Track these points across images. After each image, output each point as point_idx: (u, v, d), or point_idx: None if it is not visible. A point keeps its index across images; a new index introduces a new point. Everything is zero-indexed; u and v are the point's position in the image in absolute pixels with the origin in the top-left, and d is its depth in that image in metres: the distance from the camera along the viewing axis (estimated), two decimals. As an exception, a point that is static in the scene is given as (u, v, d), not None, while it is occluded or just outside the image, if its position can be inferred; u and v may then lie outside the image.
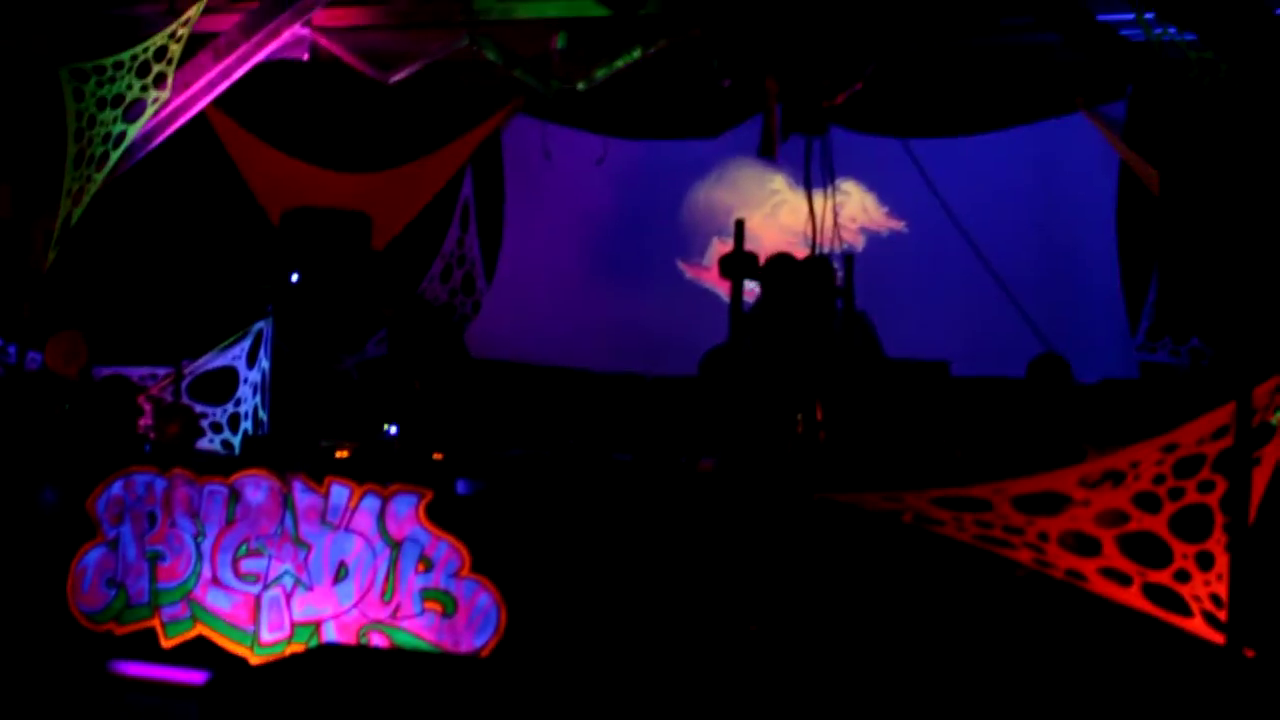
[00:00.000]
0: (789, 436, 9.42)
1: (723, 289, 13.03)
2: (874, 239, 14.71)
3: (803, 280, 10.01)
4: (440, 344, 12.97)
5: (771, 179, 14.76)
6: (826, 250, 10.11)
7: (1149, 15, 8.89)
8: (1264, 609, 7.40)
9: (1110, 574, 7.63)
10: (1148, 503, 7.56)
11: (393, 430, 11.30)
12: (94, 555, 9.61)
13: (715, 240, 15.00)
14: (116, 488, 9.64)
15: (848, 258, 10.15)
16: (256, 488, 9.31)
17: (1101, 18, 9.19)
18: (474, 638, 8.72)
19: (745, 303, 9.41)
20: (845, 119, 11.80)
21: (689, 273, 15.18)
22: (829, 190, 10.22)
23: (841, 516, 8.29)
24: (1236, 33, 8.43)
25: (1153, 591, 7.53)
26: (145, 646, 9.41)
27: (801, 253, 10.33)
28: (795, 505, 8.47)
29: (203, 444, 11.07)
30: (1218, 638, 7.28)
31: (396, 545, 8.97)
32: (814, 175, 10.21)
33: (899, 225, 14.76)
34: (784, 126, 10.58)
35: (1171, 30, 8.88)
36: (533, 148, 14.99)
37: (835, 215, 10.07)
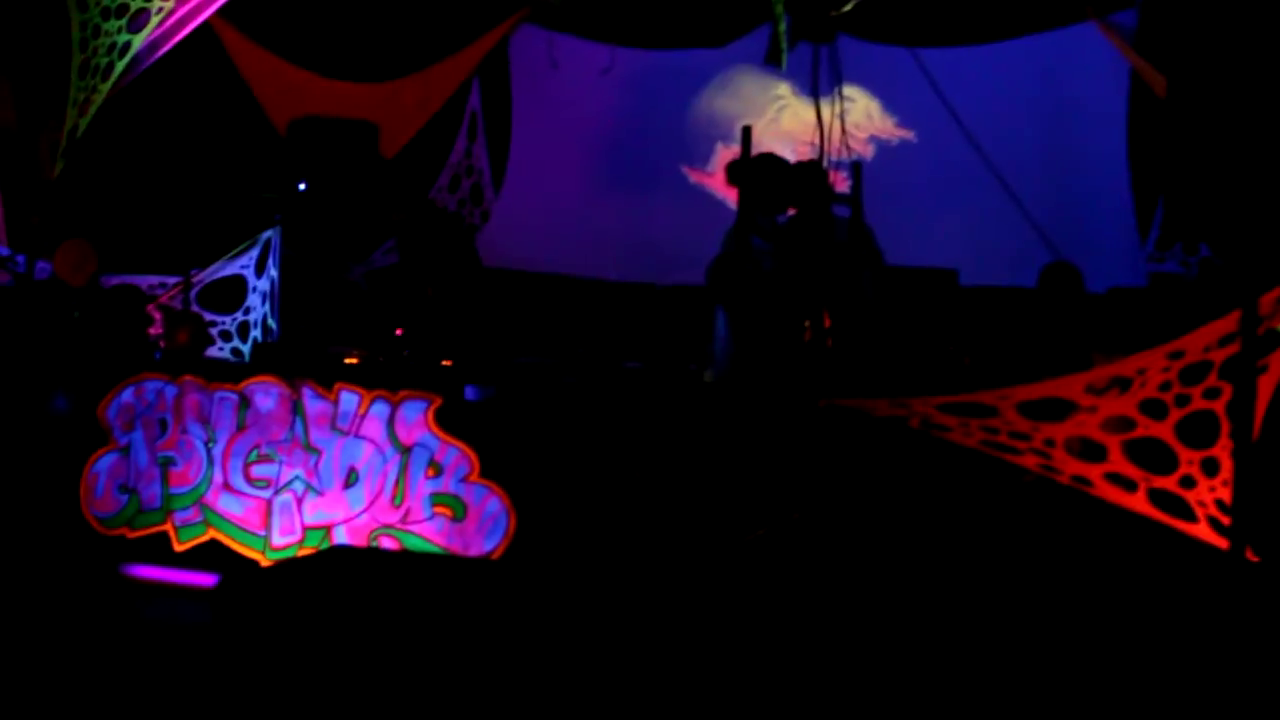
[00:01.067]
0: (796, 343, 9.44)
1: (729, 195, 13.06)
2: (883, 148, 14.67)
3: (794, 183, 9.97)
4: (452, 250, 12.95)
5: (775, 85, 14.70)
6: (834, 159, 10.09)
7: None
8: (1268, 513, 7.45)
9: (1116, 479, 7.67)
10: (1154, 409, 7.58)
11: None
12: (106, 461, 9.70)
13: (720, 146, 14.95)
14: (127, 395, 9.71)
15: (855, 166, 10.12)
16: (266, 394, 9.37)
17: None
18: (484, 542, 8.80)
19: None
20: (853, 27, 11.72)
21: (693, 178, 15.14)
22: (836, 98, 10.19)
23: (848, 422, 8.33)
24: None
25: (1158, 497, 7.57)
26: (158, 550, 9.52)
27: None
28: (802, 411, 8.51)
29: (212, 352, 11.10)
30: (1222, 543, 7.33)
31: (406, 451, 9.03)
32: (821, 83, 10.17)
33: (907, 134, 14.72)
34: (791, 35, 10.54)
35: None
36: (539, 57, 14.93)
37: (843, 124, 10.05)
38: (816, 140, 9.84)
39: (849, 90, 10.98)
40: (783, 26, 10.52)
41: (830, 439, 8.34)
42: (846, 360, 9.44)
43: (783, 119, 14.78)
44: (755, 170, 9.52)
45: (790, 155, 10.96)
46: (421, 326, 11.40)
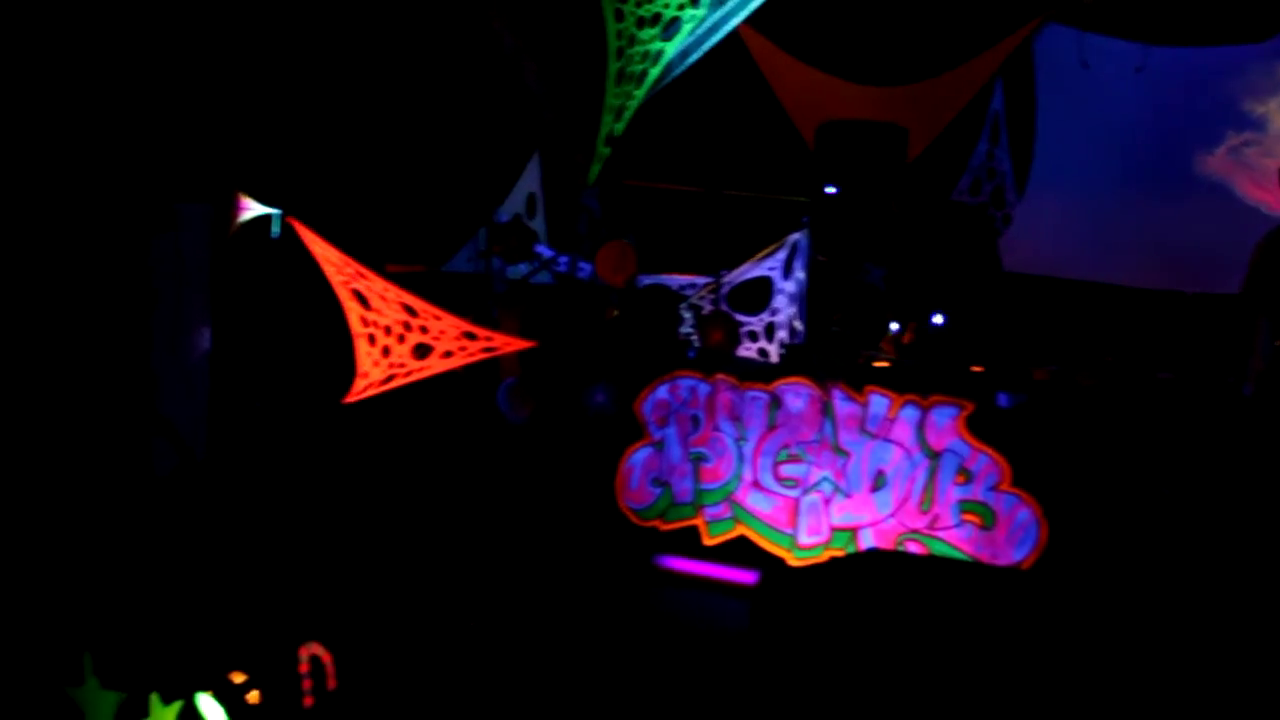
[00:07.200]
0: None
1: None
2: None
3: None
4: (973, 254, 12.79)
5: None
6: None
7: None
8: None
9: None
10: None
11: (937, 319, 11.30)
12: (641, 455, 10.08)
13: (1230, 134, 14.18)
14: (662, 391, 10.06)
15: None
16: (797, 395, 9.53)
17: None
18: (1013, 551, 8.68)
19: None
20: None
21: (1199, 169, 14.35)
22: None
23: None
24: None
25: None
26: (688, 543, 9.81)
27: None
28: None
29: (739, 352, 11.33)
30: None
31: (935, 456, 9.01)
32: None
33: None
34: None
35: None
36: (1067, 57, 14.54)
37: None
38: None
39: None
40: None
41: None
42: None
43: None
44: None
45: None
46: (947, 330, 11.34)
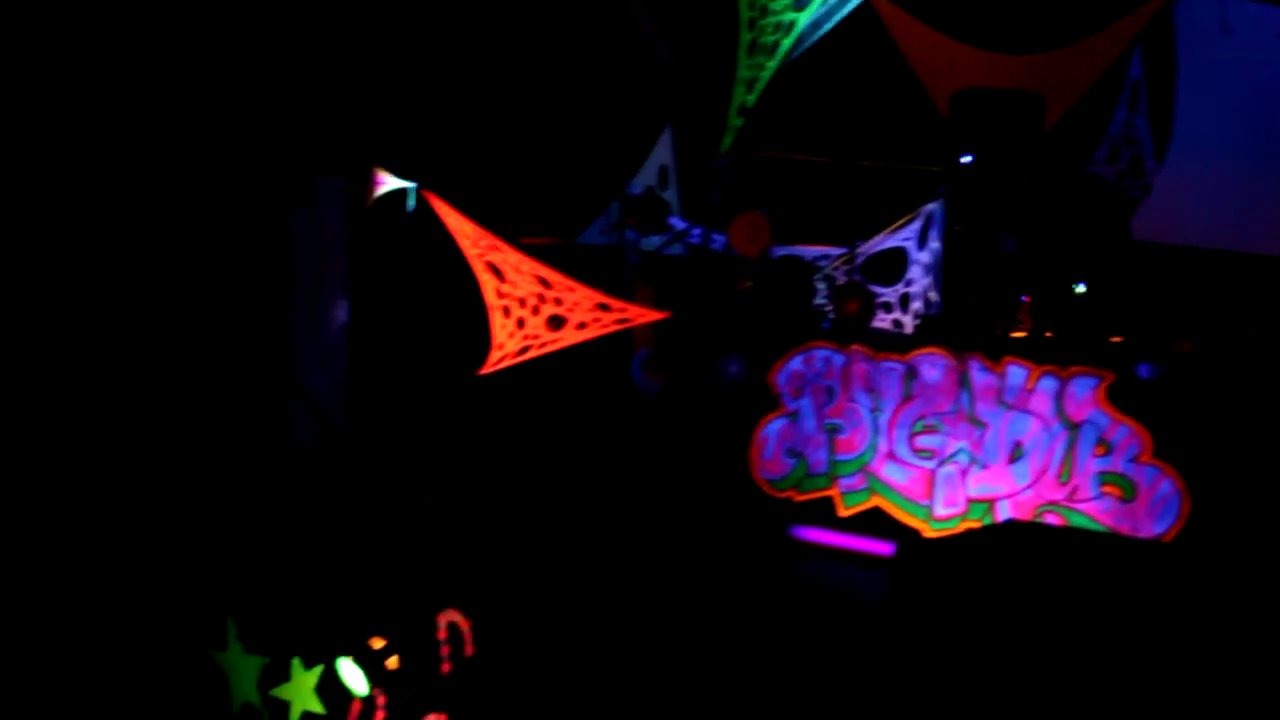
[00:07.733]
0: None
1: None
2: None
3: None
4: (1104, 226, 12.55)
5: None
6: None
7: None
8: None
9: None
10: None
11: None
12: (775, 426, 10.07)
13: None
14: (796, 363, 10.04)
15: None
16: (933, 366, 9.47)
17: None
18: (1154, 524, 8.57)
19: None
20: None
21: None
22: None
23: None
24: None
25: None
26: (822, 514, 9.80)
27: None
28: None
29: (873, 323, 11.26)
30: None
31: (1074, 427, 8.91)
32: None
33: None
34: None
35: None
36: (1209, 22, 14.22)
37: None
38: None
39: None
40: None
41: None
42: None
43: None
44: None
45: None
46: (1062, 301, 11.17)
